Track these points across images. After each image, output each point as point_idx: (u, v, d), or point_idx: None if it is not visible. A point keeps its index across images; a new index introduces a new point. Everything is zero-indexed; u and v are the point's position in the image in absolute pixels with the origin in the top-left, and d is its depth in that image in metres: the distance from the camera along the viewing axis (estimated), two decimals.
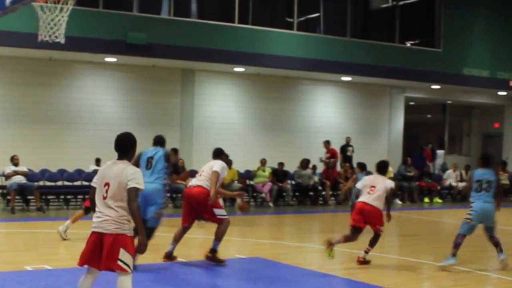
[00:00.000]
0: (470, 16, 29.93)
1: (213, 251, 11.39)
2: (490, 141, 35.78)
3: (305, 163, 23.92)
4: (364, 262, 11.78)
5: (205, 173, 11.39)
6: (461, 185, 25.99)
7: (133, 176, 6.85)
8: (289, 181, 23.60)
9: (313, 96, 27.61)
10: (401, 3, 28.51)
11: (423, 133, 36.40)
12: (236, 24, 23.89)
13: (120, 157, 7.06)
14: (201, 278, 10.70)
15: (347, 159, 25.92)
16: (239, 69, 24.77)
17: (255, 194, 23.19)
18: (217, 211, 11.30)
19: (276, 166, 23.47)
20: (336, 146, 26.01)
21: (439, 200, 26.39)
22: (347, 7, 26.82)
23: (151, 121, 23.44)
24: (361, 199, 11.88)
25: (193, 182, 11.48)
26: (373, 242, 11.90)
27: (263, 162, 23.36)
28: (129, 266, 6.78)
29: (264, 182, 22.79)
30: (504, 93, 32.53)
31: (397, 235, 16.77)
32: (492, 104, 34.38)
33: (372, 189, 11.78)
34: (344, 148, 26.24)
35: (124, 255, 6.75)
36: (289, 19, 25.55)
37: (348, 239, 11.77)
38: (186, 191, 11.55)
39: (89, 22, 20.99)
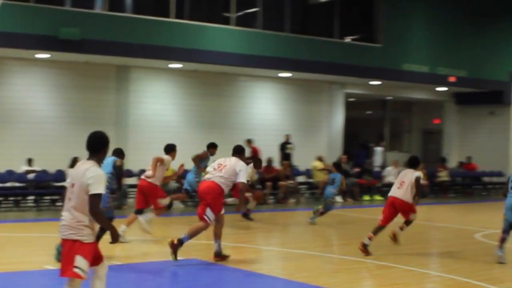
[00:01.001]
0: (409, 11, 30.42)
1: (218, 252, 12.02)
2: (430, 138, 36.43)
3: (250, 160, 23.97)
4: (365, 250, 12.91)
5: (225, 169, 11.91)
6: None
7: (94, 180, 6.77)
8: None
9: (251, 93, 27.74)
10: None
11: (363, 129, 36.84)
12: (172, 19, 23.83)
13: (90, 157, 7.02)
14: (144, 282, 10.71)
15: (286, 156, 26.10)
16: (175, 65, 24.73)
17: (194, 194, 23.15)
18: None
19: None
20: (276, 143, 26.19)
21: (380, 198, 26.73)
22: (285, 2, 27.01)
23: (84, 120, 23.20)
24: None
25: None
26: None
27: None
28: (85, 272, 6.77)
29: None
30: (443, 88, 33.14)
31: (338, 234, 16.99)
32: (432, 100, 35.00)
33: (402, 183, 13.09)
34: (283, 146, 26.42)
35: (80, 261, 6.73)
36: (226, 14, 25.59)
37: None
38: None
39: (19, 17, 20.71)
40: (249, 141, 25.09)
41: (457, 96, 35.13)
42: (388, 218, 13.19)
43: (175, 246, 11.56)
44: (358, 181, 26.57)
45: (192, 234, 11.74)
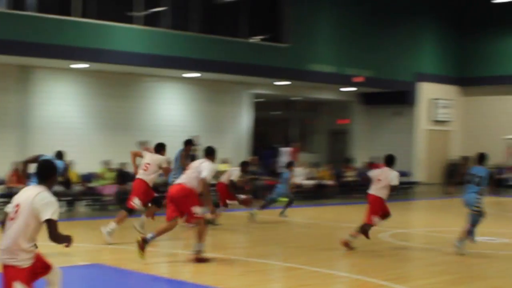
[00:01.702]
0: (317, 11, 30.75)
1: (198, 252, 12.24)
2: (338, 138, 36.91)
3: None
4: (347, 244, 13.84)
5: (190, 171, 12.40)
6: (309, 183, 26.67)
7: (48, 205, 6.64)
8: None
9: (158, 94, 27.58)
10: None
11: (272, 130, 37.08)
12: (76, 18, 23.41)
13: (39, 183, 6.87)
14: None
15: (192, 158, 26.00)
16: (79, 65, 24.36)
17: (97, 197, 22.87)
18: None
19: (120, 167, 23.22)
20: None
21: (286, 199, 26.88)
22: (192, 1, 26.91)
23: None
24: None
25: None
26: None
27: (107, 163, 23.07)
28: None
29: (107, 184, 22.51)
30: (350, 89, 33.65)
31: (245, 236, 17.01)
32: (339, 100, 35.49)
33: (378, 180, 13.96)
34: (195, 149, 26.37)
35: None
36: (132, 13, 25.32)
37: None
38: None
39: None
40: (142, 143, 24.82)
41: (364, 96, 35.73)
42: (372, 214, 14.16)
43: (141, 245, 11.94)
44: (266, 183, 26.69)
45: (200, 237, 12.24)
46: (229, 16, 28.98)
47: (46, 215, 6.58)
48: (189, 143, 17.98)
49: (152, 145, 25.23)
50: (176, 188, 12.37)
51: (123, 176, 22.84)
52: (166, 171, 15.83)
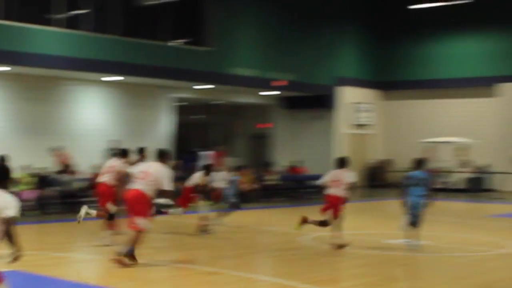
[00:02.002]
0: (239, 15, 30.85)
1: (124, 254, 12.18)
2: (260, 142, 37.08)
3: (64, 168, 23.47)
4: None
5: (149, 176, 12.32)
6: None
7: (11, 204, 6.90)
8: (53, 188, 23.05)
9: (78, 97, 27.24)
10: (170, 0, 28.81)
11: (195, 134, 37.01)
12: None
13: None
14: None
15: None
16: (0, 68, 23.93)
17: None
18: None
19: (40, 172, 22.86)
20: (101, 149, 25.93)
21: (208, 202, 26.80)
22: (114, 4, 26.68)
23: None
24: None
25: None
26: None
27: (27, 168, 22.67)
28: None
29: (26, 189, 22.12)
30: (272, 93, 33.85)
31: (165, 241, 16.93)
32: (261, 104, 35.66)
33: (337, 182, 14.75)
34: (110, 152, 26.15)
35: None
36: (53, 16, 24.93)
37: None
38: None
39: None
40: (56, 150, 24.53)
41: (286, 100, 35.98)
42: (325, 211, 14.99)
43: (122, 263, 11.98)
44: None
45: (131, 243, 12.15)
46: (151, 20, 28.80)
47: (10, 213, 6.83)
48: (142, 151, 17.66)
49: (67, 150, 25.16)
50: (133, 193, 12.38)
51: (44, 181, 22.50)
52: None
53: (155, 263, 12.89)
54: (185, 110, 33.03)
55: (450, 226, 17.92)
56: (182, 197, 17.87)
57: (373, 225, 20.39)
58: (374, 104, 38.40)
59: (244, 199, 26.62)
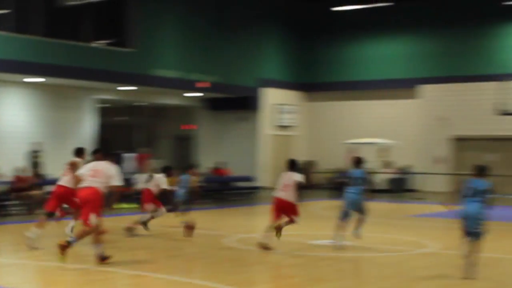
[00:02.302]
0: (161, 16, 30.67)
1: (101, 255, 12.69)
2: (183, 144, 36.93)
3: None
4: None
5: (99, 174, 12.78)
6: (155, 189, 26.39)
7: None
8: None
9: None
10: (92, 0, 28.47)
11: (118, 136, 36.61)
12: None
13: None
14: None
15: (34, 165, 25.36)
16: None
17: None
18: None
19: None
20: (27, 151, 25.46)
21: (134, 205, 26.54)
22: (35, 4, 26.23)
23: None
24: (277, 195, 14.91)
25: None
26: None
27: None
28: None
29: None
30: (196, 94, 33.77)
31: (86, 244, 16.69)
32: (184, 106, 35.53)
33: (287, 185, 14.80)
34: (32, 154, 25.70)
35: None
36: None
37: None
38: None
39: None
40: None
41: (210, 102, 35.93)
42: (278, 217, 15.06)
43: (63, 247, 12.28)
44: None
45: (79, 237, 12.70)
46: (73, 20, 28.42)
47: None
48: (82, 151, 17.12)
49: (5, 151, 24.66)
50: (87, 191, 12.73)
51: None
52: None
53: (76, 267, 12.68)
54: (108, 112, 32.68)
55: (373, 226, 18.11)
56: (146, 200, 17.78)
57: (297, 226, 20.47)
58: (297, 105, 38.64)
59: (168, 201, 26.46)
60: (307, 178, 37.27)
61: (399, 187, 34.57)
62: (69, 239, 12.71)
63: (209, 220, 20.65)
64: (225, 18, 33.72)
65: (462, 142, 35.38)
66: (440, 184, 34.60)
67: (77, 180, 13.07)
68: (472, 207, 11.94)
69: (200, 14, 32.50)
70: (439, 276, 12.39)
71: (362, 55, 38.07)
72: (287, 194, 14.93)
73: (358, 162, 15.92)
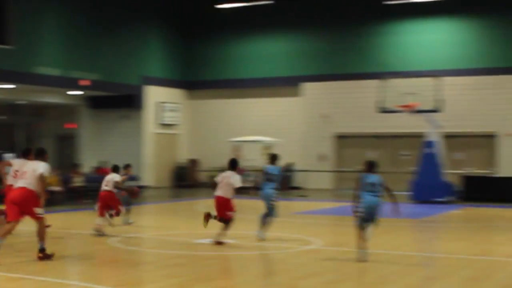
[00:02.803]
0: (41, 12, 30.05)
1: (42, 250, 13.20)
2: (65, 142, 36.29)
3: None
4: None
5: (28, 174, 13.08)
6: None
7: None
8: None
9: None
10: None
11: None
12: None
13: None
14: None
15: None
16: None
17: None
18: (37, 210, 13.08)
19: None
20: None
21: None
22: None
23: None
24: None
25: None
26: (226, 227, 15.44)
27: None
28: None
29: None
30: (77, 92, 33.22)
31: None
32: (66, 104, 34.92)
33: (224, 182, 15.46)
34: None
35: None
36: None
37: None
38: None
39: None
40: None
41: (92, 100, 35.44)
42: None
43: (44, 257, 13.12)
44: None
45: (42, 236, 13.24)
46: None
47: None
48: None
49: None
50: (18, 192, 13.08)
51: None
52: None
53: None
54: None
55: (257, 224, 18.28)
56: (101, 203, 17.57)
57: (182, 225, 20.42)
58: (180, 103, 38.56)
59: (50, 201, 25.95)
60: (190, 177, 37.42)
61: (283, 184, 34.92)
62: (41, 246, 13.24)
63: (92, 221, 20.32)
64: (106, 16, 33.32)
65: (343, 140, 36.11)
66: (323, 181, 35.28)
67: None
68: (369, 198, 13.47)
69: (81, 11, 32.00)
70: (324, 272, 12.57)
71: (245, 53, 38.30)
72: (223, 192, 15.55)
73: (274, 158, 16.77)
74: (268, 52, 37.81)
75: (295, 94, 36.82)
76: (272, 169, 16.56)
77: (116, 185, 17.56)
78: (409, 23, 35.35)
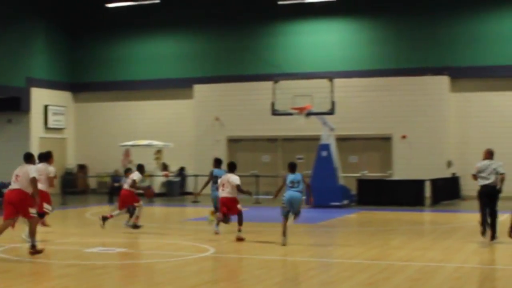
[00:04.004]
0: None
1: (33, 247, 14.75)
2: None
3: None
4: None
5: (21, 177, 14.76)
6: None
7: None
8: None
9: None
10: None
11: None
12: None
13: None
14: None
15: None
16: None
17: None
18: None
19: None
20: None
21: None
22: None
23: None
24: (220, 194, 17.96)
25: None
26: (240, 222, 17.59)
27: None
28: None
29: None
30: None
31: None
32: None
33: (225, 185, 17.76)
34: None
35: None
36: None
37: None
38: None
39: None
40: None
41: None
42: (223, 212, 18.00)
43: (35, 252, 14.72)
44: None
45: (33, 234, 14.79)
46: None
47: None
48: None
49: None
50: (14, 193, 14.70)
51: None
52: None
53: None
54: None
55: (147, 232, 18.12)
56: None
57: (71, 233, 20.03)
58: (66, 106, 37.93)
59: None
60: (77, 183, 36.72)
61: (175, 190, 34.76)
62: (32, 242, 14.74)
63: None
64: None
65: (236, 143, 36.19)
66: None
67: None
68: (291, 193, 16.70)
69: None
70: (218, 280, 12.54)
71: (135, 54, 37.96)
72: (227, 192, 17.75)
73: (218, 162, 19.80)
74: (159, 53, 37.57)
75: (187, 97, 36.70)
76: (219, 172, 19.26)
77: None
78: (302, 24, 35.74)
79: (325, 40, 35.22)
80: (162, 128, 36.91)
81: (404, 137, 33.65)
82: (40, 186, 15.64)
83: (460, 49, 33.45)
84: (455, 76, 33.51)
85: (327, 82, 28.83)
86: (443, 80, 33.45)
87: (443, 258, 14.88)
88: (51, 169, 17.44)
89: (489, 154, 17.52)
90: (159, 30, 37.51)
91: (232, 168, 18.36)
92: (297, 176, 16.91)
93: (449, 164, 32.56)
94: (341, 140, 31.50)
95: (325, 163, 28.67)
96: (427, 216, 26.47)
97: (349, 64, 34.60)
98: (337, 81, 29.71)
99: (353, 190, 29.47)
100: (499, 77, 32.94)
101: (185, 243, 17.53)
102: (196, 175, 33.60)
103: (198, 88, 36.47)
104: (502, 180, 17.14)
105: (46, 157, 17.71)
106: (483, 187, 17.24)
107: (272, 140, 35.65)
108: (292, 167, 17.13)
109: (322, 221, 23.39)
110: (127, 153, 35.00)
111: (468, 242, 17.44)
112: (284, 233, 16.59)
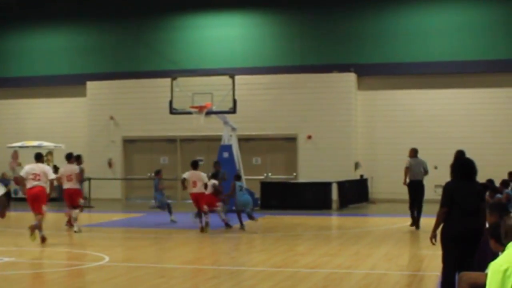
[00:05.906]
0: None
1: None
2: None
3: None
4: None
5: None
6: None
7: None
8: None
9: None
10: None
11: None
12: None
13: None
14: None
15: None
16: None
17: None
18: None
19: None
20: None
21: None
22: None
23: None
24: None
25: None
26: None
27: None
28: None
29: None
30: None
31: None
32: None
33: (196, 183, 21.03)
34: None
35: None
36: None
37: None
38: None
39: None
40: None
41: None
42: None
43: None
44: None
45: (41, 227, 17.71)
46: None
47: None
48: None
49: None
50: (38, 189, 17.65)
51: None
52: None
53: None
54: None
55: (29, 241, 17.78)
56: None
57: None
58: None
59: None
60: None
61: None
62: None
63: None
64: None
65: (132, 144, 35.87)
66: (114, 190, 34.69)
67: None
68: (245, 197, 21.12)
69: None
70: None
71: (24, 48, 37.27)
72: (197, 189, 20.96)
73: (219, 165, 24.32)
74: (49, 47, 36.94)
75: (79, 94, 36.20)
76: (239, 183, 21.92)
77: None
78: (202, 17, 35.69)
79: (227, 34, 35.25)
80: (53, 128, 36.28)
81: (309, 137, 33.91)
82: None
83: (367, 46, 33.97)
84: (362, 74, 34.02)
85: (229, 79, 28.72)
86: (350, 78, 33.89)
87: (351, 265, 15.05)
88: None
89: (414, 152, 22.15)
90: (49, 23, 36.91)
91: (195, 165, 21.58)
92: (243, 183, 22.50)
93: (357, 165, 33.05)
94: (244, 140, 31.61)
95: (226, 165, 28.64)
96: (334, 220, 26.78)
97: (252, 60, 34.70)
98: (239, 78, 29.70)
99: (257, 193, 29.46)
100: (405, 74, 33.58)
101: (77, 251, 17.28)
102: (89, 178, 32.73)
103: (91, 85, 36.00)
104: None
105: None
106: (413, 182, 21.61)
107: (171, 140, 35.46)
108: (238, 176, 22.03)
109: (223, 226, 23.37)
110: (15, 155, 34.25)
111: (377, 247, 17.71)
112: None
